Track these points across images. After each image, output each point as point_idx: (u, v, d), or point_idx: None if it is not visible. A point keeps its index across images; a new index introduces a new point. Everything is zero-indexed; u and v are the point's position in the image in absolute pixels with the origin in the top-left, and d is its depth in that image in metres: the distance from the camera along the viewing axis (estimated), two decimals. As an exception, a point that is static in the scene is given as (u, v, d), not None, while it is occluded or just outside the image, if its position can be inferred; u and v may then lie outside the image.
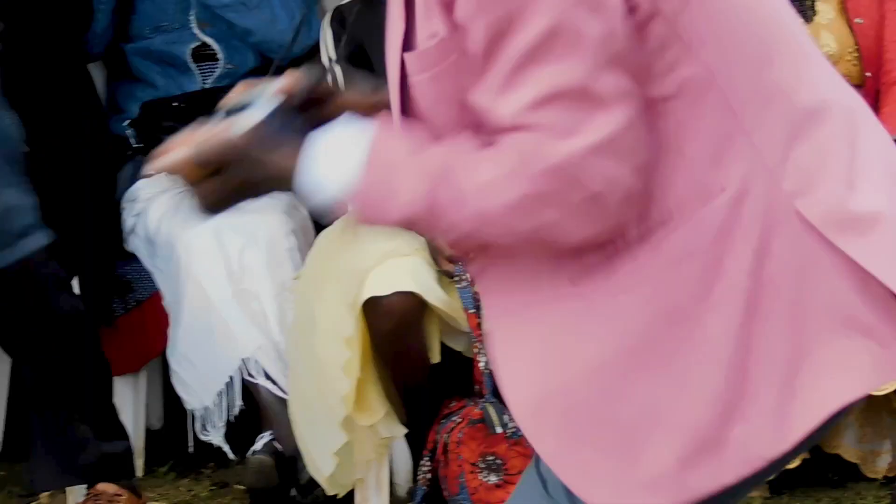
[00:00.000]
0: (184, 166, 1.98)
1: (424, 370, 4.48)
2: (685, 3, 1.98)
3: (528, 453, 4.39)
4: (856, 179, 2.04)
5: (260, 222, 4.76)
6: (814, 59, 2.22)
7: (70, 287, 4.56)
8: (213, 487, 4.95)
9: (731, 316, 1.95)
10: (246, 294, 4.64)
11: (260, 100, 2.16)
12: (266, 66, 4.90)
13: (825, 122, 2.11)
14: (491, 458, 4.29)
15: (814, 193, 1.99)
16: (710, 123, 2.02)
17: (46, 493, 4.67)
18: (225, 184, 1.98)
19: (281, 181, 1.99)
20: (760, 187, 1.99)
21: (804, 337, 1.95)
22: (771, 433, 1.93)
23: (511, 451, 4.29)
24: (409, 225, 1.98)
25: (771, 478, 2.71)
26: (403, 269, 4.42)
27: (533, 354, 1.99)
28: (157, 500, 4.70)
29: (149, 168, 2.04)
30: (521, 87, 1.93)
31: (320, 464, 4.31)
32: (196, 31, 5.05)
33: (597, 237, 1.94)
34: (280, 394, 4.47)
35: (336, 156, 2.00)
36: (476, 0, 1.87)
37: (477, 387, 4.38)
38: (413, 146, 1.96)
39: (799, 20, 2.29)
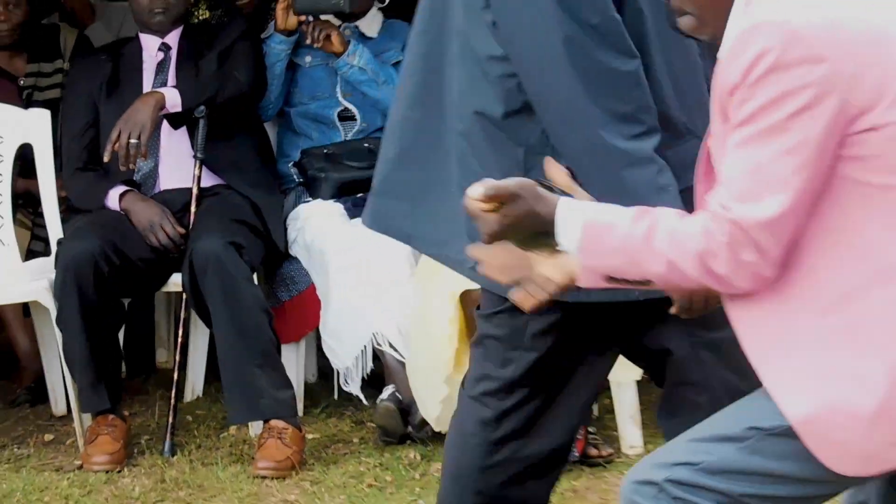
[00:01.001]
0: (492, 196, 2.14)
1: None
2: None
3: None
4: None
5: (386, 237, 4.82)
6: None
7: (252, 279, 4.56)
8: (352, 425, 4.86)
9: None
10: (376, 286, 4.62)
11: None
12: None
13: None
14: None
15: None
16: None
17: (235, 426, 4.66)
18: (505, 215, 2.14)
19: (540, 222, 2.14)
20: None
21: None
22: None
23: None
24: (633, 275, 2.10)
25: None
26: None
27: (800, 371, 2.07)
28: (312, 433, 4.64)
29: (473, 189, 2.17)
30: None
31: (429, 409, 4.35)
32: (341, 99, 5.00)
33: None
34: (400, 358, 4.49)
35: (585, 224, 2.11)
36: None
37: None
38: (643, 231, 2.07)
39: None
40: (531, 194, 2.16)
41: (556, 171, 2.31)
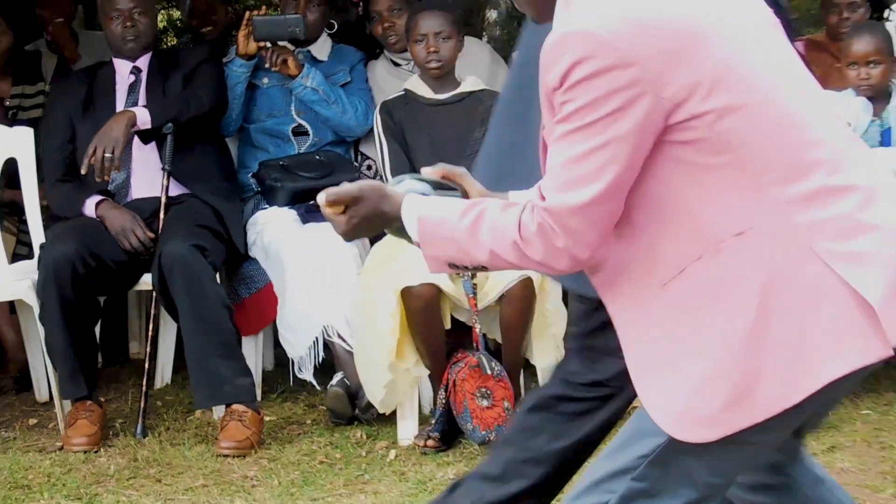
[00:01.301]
0: (332, 201, 2.17)
1: (439, 334, 4.41)
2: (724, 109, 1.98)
3: (507, 386, 4.31)
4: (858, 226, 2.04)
5: (335, 239, 4.81)
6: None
7: (215, 279, 4.59)
8: (306, 408, 4.87)
9: (740, 314, 1.98)
10: (326, 285, 4.63)
11: (420, 182, 2.37)
12: (339, 139, 5.16)
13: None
14: (483, 389, 4.23)
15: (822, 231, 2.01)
16: (725, 189, 2.03)
17: (200, 410, 4.68)
18: (351, 217, 2.18)
19: (388, 219, 2.19)
20: (773, 228, 1.99)
21: (807, 329, 1.96)
22: (785, 392, 1.95)
23: (496, 385, 4.25)
24: (466, 261, 2.13)
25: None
26: (423, 269, 4.39)
27: (642, 335, 2.10)
28: (270, 416, 4.67)
29: (319, 197, 2.19)
30: None
31: (374, 393, 4.35)
32: (295, 116, 5.03)
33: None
34: (348, 348, 4.50)
35: (420, 219, 2.15)
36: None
37: (474, 344, 4.33)
38: (467, 225, 2.10)
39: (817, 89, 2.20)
40: (376, 195, 2.21)
41: (428, 171, 2.35)
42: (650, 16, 2.00)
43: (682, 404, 2.01)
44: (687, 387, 2.00)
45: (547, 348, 4.44)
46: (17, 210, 4.82)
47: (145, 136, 4.62)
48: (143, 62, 4.78)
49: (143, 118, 4.59)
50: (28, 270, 4.54)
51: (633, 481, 2.08)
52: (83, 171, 4.50)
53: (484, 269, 2.16)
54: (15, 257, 4.82)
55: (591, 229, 1.99)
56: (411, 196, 2.22)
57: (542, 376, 4.44)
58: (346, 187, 2.23)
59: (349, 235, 2.27)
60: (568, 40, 1.97)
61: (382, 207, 2.20)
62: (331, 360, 4.60)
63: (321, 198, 2.22)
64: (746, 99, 2.00)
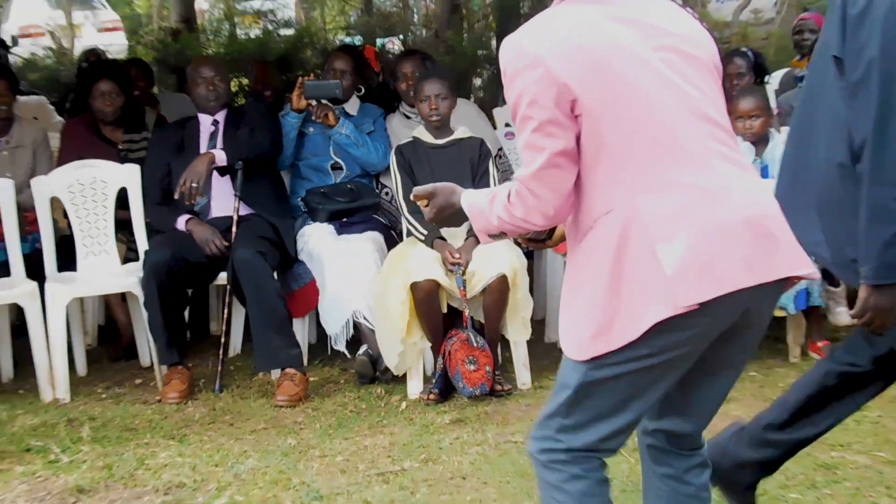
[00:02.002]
0: (417, 196, 2.34)
1: (438, 317, 4.46)
2: (598, 116, 1.98)
3: (488, 355, 4.25)
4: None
5: (361, 247, 4.80)
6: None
7: (273, 276, 4.64)
8: (339, 371, 4.89)
9: (604, 269, 2.00)
10: (354, 281, 4.65)
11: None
12: (365, 173, 5.14)
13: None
14: (471, 357, 4.28)
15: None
16: (603, 177, 2.04)
17: (261, 373, 4.71)
18: (431, 207, 2.33)
19: (452, 208, 2.30)
20: (628, 209, 2.00)
21: (637, 289, 1.98)
22: (627, 329, 1.98)
23: (480, 354, 4.26)
24: (493, 230, 2.20)
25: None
26: (428, 268, 4.37)
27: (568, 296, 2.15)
28: (313, 377, 4.69)
29: (412, 192, 2.40)
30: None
31: (390, 360, 4.40)
32: (332, 156, 5.04)
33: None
34: (370, 327, 4.54)
35: (468, 205, 2.24)
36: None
37: (464, 324, 4.36)
38: (491, 200, 2.18)
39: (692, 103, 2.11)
40: (448, 191, 2.31)
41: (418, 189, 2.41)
42: (571, 36, 2.05)
43: (572, 335, 2.11)
44: (572, 320, 2.12)
45: (518, 327, 4.50)
46: (127, 226, 4.90)
47: (222, 171, 4.73)
48: (221, 116, 4.88)
49: (220, 157, 4.68)
50: (135, 270, 4.63)
51: (561, 418, 2.15)
52: (176, 197, 4.59)
53: (504, 235, 2.22)
54: (125, 260, 4.96)
55: (548, 190, 2.04)
56: (467, 191, 2.31)
57: (515, 349, 4.49)
58: (426, 186, 2.37)
59: (433, 220, 2.39)
60: (502, 48, 2.14)
61: (451, 200, 2.30)
62: (358, 336, 4.67)
63: (412, 193, 2.42)
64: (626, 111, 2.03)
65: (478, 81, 8.83)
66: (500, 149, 5.41)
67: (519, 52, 2.03)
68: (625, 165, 2.01)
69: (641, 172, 2.01)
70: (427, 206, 2.35)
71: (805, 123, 2.77)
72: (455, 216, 2.34)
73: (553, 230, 2.41)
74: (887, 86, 2.38)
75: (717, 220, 1.98)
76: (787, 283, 2.08)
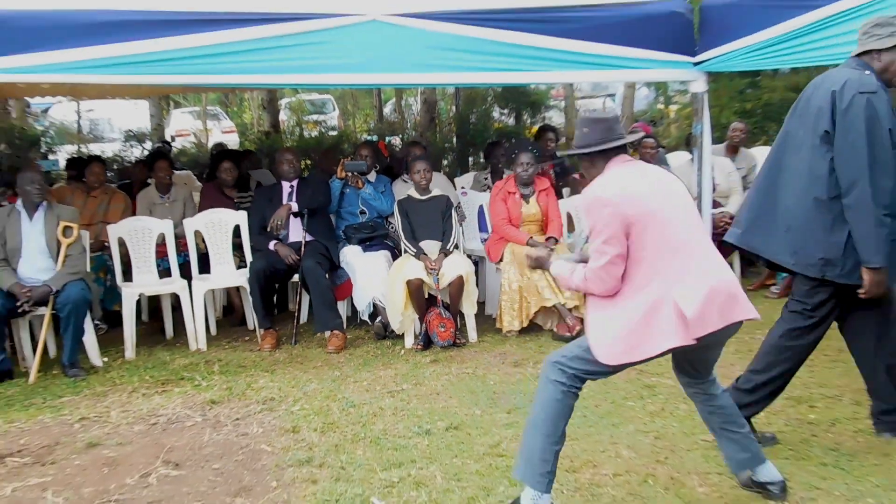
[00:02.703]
0: (531, 262, 2.35)
1: (423, 300, 4.62)
2: (640, 232, 2.01)
3: (452, 323, 4.36)
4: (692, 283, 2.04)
5: (377, 259, 4.98)
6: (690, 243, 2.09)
7: (325, 276, 4.76)
8: (364, 332, 5.03)
9: (639, 312, 2.00)
10: (373, 279, 4.86)
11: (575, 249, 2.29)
12: (379, 216, 5.19)
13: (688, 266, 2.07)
14: (443, 324, 4.53)
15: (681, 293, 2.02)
16: (646, 268, 2.04)
17: (318, 333, 4.87)
18: (534, 261, 2.34)
19: (542, 268, 2.28)
20: (659, 284, 2.01)
21: (661, 326, 2.00)
22: (646, 351, 2.01)
23: (447, 322, 4.53)
24: (572, 288, 2.15)
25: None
26: (416, 271, 4.58)
27: (599, 320, 2.12)
28: (350, 336, 4.87)
29: (529, 250, 2.29)
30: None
31: (395, 324, 4.67)
32: (360, 205, 5.24)
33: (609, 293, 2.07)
34: (383, 305, 4.76)
35: (555, 273, 2.25)
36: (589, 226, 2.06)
37: (438, 304, 4.59)
38: (574, 271, 2.16)
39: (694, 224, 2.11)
40: (545, 257, 2.36)
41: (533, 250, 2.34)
42: (626, 186, 2.12)
43: (603, 349, 2.13)
44: (606, 341, 2.12)
45: (469, 305, 4.73)
46: (239, 247, 5.07)
47: (295, 215, 4.96)
48: (294, 183, 5.09)
49: (294, 207, 4.92)
50: (244, 273, 4.89)
51: (580, 361, 2.18)
52: (268, 230, 4.87)
53: (578, 289, 2.19)
54: (238, 267, 5.10)
55: (611, 277, 2.08)
56: (556, 262, 2.32)
57: (468, 319, 4.67)
58: (540, 251, 2.39)
59: (531, 266, 2.42)
60: (590, 200, 2.16)
61: (545, 264, 2.35)
62: (376, 312, 4.88)
63: (528, 255, 2.38)
64: (656, 231, 2.05)
65: (445, 162, 9.04)
66: (459, 203, 5.51)
67: (599, 200, 2.09)
68: (661, 260, 2.04)
69: (668, 266, 2.05)
70: (534, 260, 2.41)
71: (772, 176, 2.67)
72: (538, 269, 2.41)
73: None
74: (871, 149, 2.41)
75: (708, 288, 2.03)
76: (741, 323, 2.13)
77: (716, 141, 5.45)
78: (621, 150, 2.18)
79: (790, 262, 2.59)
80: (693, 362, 2.23)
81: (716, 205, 5.22)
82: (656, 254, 2.00)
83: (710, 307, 1.96)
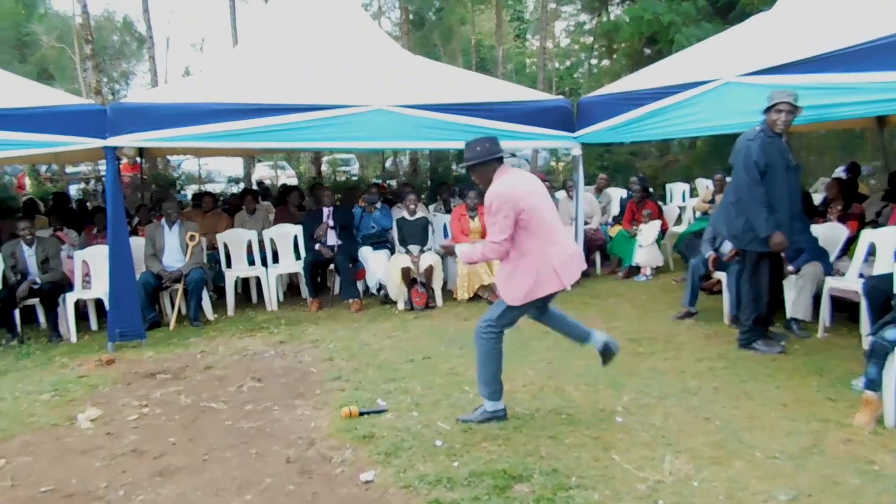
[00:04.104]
0: (444, 250, 2.19)
1: (409, 280, 4.56)
2: (528, 217, 1.88)
3: (426, 296, 4.33)
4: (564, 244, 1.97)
5: (382, 255, 4.91)
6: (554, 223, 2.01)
7: (349, 265, 4.76)
8: (374, 300, 4.97)
9: (531, 273, 1.90)
10: (379, 267, 4.79)
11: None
12: (384, 229, 5.04)
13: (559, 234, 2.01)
14: (420, 295, 4.49)
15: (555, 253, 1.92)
16: (528, 236, 1.96)
17: (345, 301, 4.74)
18: (447, 248, 2.11)
19: (452, 251, 1.99)
20: (539, 252, 1.92)
21: (544, 280, 1.93)
22: (536, 294, 1.95)
23: (422, 295, 4.50)
24: (475, 260, 1.97)
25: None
26: (406, 262, 4.55)
27: (506, 274, 2.02)
28: (365, 302, 4.78)
29: (444, 243, 2.13)
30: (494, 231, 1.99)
31: (392, 294, 4.64)
32: (372, 222, 5.12)
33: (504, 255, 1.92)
34: (385, 284, 4.72)
35: (460, 251, 2.11)
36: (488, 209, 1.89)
37: (418, 282, 4.54)
38: (475, 247, 2.00)
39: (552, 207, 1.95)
40: (452, 244, 2.21)
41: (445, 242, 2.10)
42: (516, 186, 2.03)
43: (510, 295, 2.06)
44: (514, 290, 2.06)
45: (437, 283, 4.66)
46: (297, 248, 5.00)
47: (331, 228, 4.93)
48: (331, 209, 5.01)
49: (331, 223, 4.92)
50: (300, 263, 4.89)
51: (497, 315, 2.11)
52: (315, 237, 4.81)
53: (480, 259, 2.06)
54: (296, 259, 5.02)
55: (502, 249, 2.03)
56: (460, 244, 2.22)
57: (436, 292, 4.55)
58: (448, 242, 2.25)
59: (444, 250, 2.26)
60: (490, 194, 2.04)
61: (452, 247, 2.24)
62: (381, 288, 4.84)
63: (441, 244, 2.25)
64: (535, 215, 2.00)
65: (423, 196, 8.38)
66: (431, 223, 5.27)
67: (496, 193, 2.02)
68: (538, 235, 2.01)
69: (544, 238, 2.02)
70: (445, 247, 2.35)
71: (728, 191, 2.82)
72: (452, 252, 2.26)
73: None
74: (747, 173, 2.46)
75: (568, 254, 2.06)
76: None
77: (587, 184, 5.77)
78: (501, 161, 2.16)
79: (726, 235, 2.78)
80: (545, 301, 2.19)
81: (585, 223, 5.33)
82: (537, 230, 1.97)
83: (572, 265, 1.99)
